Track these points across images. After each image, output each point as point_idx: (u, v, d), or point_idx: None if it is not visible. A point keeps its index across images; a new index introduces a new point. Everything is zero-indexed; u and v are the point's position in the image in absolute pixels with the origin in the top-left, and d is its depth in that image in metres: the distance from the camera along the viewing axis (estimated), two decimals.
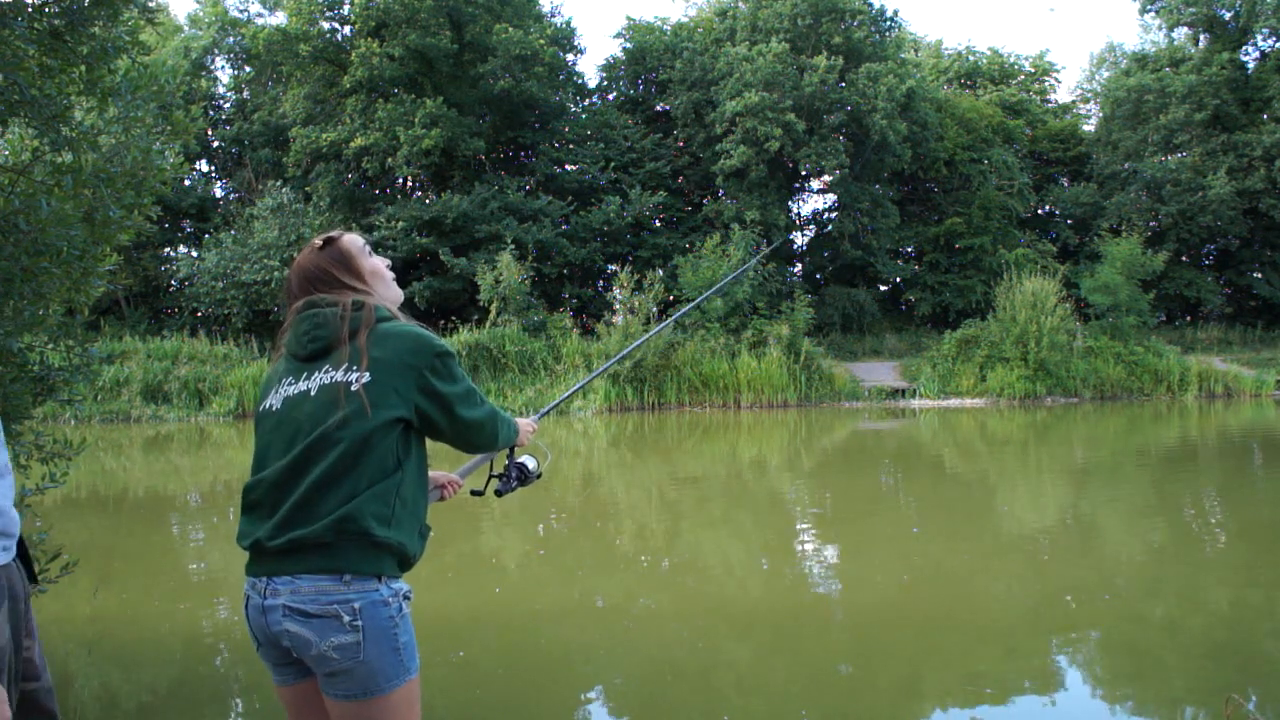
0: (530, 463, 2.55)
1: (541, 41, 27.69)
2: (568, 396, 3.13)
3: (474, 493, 2.54)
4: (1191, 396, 23.43)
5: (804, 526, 9.10)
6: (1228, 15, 31.48)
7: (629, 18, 33.43)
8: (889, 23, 30.95)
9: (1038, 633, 5.65)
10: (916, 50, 37.27)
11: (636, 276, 23.38)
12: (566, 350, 22.87)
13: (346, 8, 28.13)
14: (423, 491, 2.06)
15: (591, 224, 27.93)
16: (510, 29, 26.82)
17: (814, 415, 20.79)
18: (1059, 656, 5.26)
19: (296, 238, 25.19)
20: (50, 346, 3.38)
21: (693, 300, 23.77)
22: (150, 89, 3.47)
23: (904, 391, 23.53)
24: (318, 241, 2.19)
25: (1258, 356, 26.52)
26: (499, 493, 2.47)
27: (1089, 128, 35.33)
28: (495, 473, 2.52)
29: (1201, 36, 32.44)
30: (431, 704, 4.56)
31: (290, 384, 2.03)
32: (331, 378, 1.97)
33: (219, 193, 31.25)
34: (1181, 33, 32.97)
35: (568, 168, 29.53)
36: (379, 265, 2.24)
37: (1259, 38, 31.41)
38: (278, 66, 28.97)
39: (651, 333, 3.73)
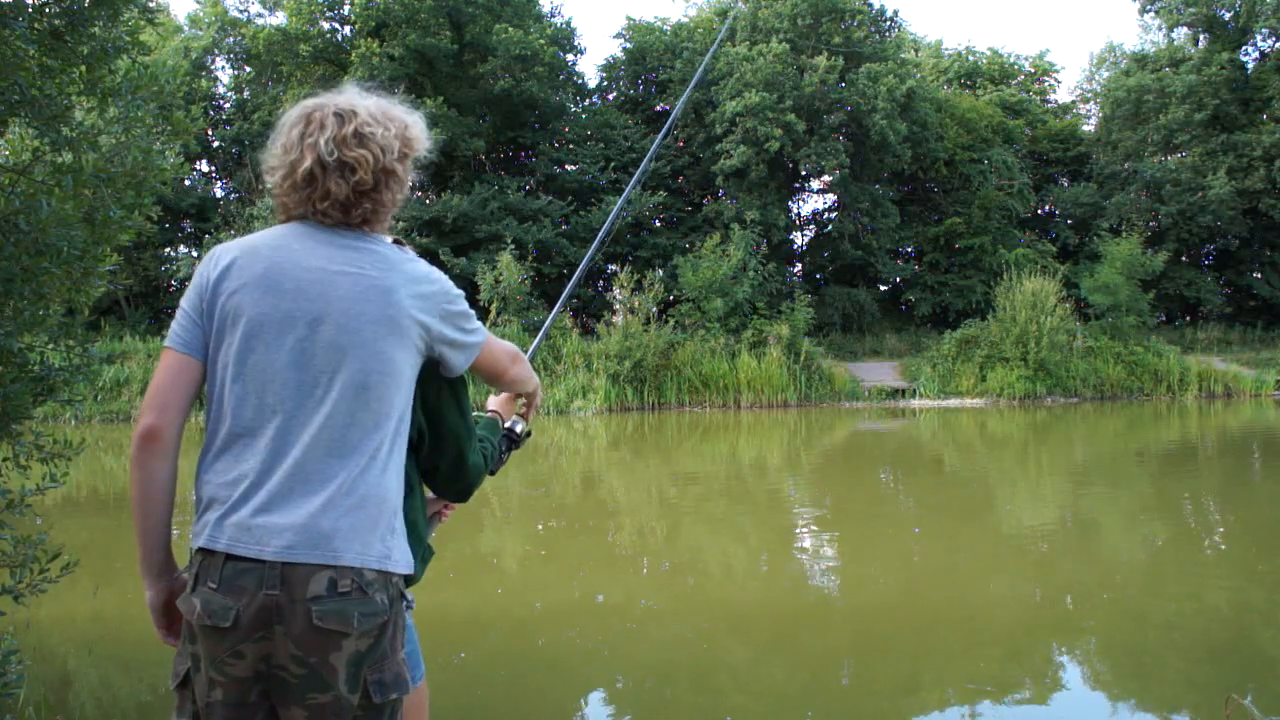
0: (518, 425, 2.40)
1: (541, 41, 27.67)
2: (545, 334, 3.01)
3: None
4: (1191, 396, 23.43)
5: (804, 526, 9.10)
6: (1227, 15, 31.47)
7: (629, 18, 33.47)
8: (889, 23, 30.94)
9: (1038, 633, 5.65)
10: (916, 50, 37.24)
11: (636, 276, 23.36)
12: (567, 350, 22.87)
13: (346, 8, 28.11)
14: (424, 515, 2.02)
15: (591, 224, 27.92)
16: (510, 29, 26.81)
17: (814, 415, 20.79)
18: (1059, 656, 5.26)
19: None
20: (50, 346, 3.38)
21: (693, 299, 23.94)
22: (150, 89, 3.47)
23: (904, 391, 23.53)
24: None
25: (1257, 356, 26.50)
26: (491, 471, 2.36)
27: (1089, 128, 35.32)
28: None
29: (1201, 37, 32.43)
30: (432, 705, 4.56)
31: None
32: None
33: (219, 193, 31.22)
34: (1181, 33, 32.96)
35: (568, 168, 29.52)
36: None
37: (1259, 38, 31.40)
38: (278, 66, 28.97)
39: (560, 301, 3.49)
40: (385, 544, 1.69)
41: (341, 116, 1.76)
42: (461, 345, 1.87)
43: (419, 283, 1.79)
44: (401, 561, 1.73)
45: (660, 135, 3.21)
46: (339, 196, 1.74)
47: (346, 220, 1.77)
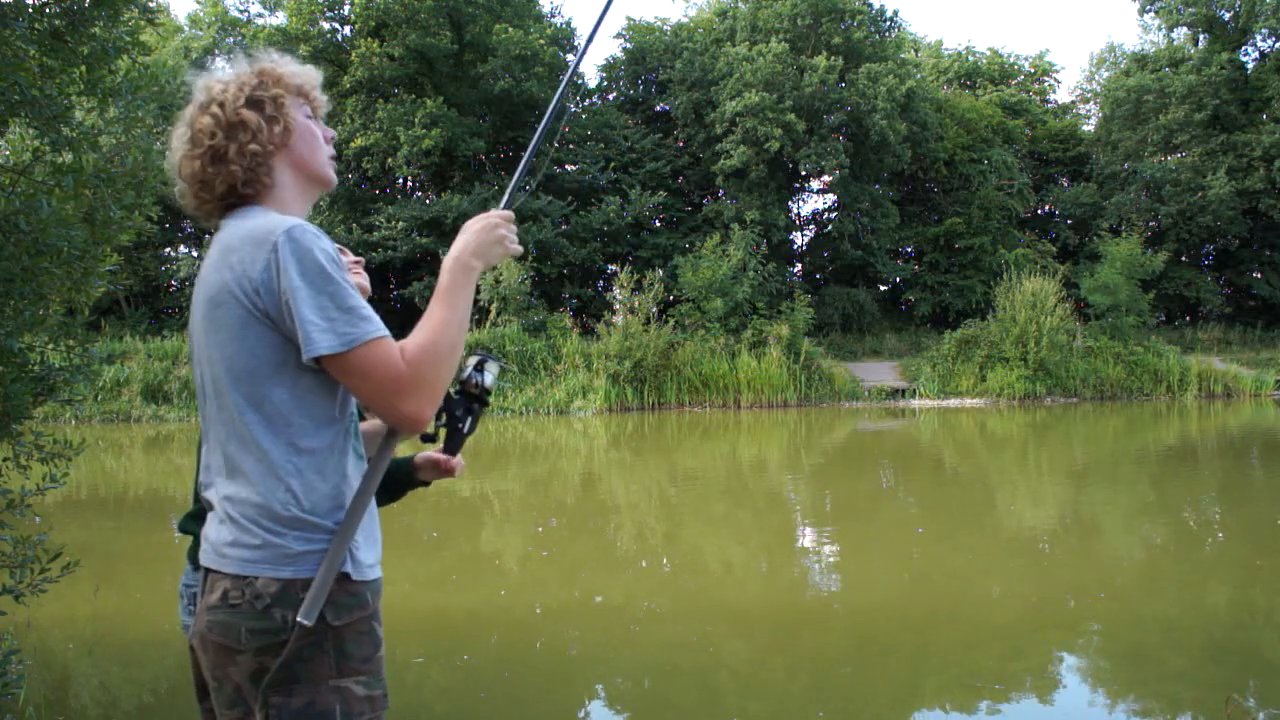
0: (488, 376, 1.80)
1: (541, 42, 27.69)
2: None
3: (425, 438, 1.77)
4: (1191, 396, 23.43)
5: (804, 526, 9.10)
6: (1227, 15, 31.48)
7: (629, 18, 33.31)
8: (889, 23, 30.94)
9: (1038, 633, 5.65)
10: (916, 50, 37.24)
11: (636, 276, 23.36)
12: (566, 350, 22.86)
13: (346, 8, 28.12)
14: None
15: (591, 224, 27.93)
16: (510, 29, 26.83)
17: (814, 415, 20.79)
18: (1059, 656, 5.26)
19: None
20: (50, 346, 3.39)
21: (693, 299, 23.94)
22: (151, 89, 3.47)
23: (904, 391, 23.52)
24: None
25: (1257, 356, 26.50)
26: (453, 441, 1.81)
27: (1089, 128, 35.31)
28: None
29: (1201, 37, 32.43)
30: (433, 705, 4.57)
31: None
32: None
33: None
34: (1181, 33, 32.96)
35: (568, 168, 29.53)
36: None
37: (1258, 38, 31.41)
38: None
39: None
40: (282, 550, 1.48)
41: (194, 102, 1.64)
42: (302, 329, 1.45)
43: (239, 247, 1.50)
44: (307, 570, 1.48)
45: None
46: (198, 175, 1.59)
47: (216, 198, 1.61)
